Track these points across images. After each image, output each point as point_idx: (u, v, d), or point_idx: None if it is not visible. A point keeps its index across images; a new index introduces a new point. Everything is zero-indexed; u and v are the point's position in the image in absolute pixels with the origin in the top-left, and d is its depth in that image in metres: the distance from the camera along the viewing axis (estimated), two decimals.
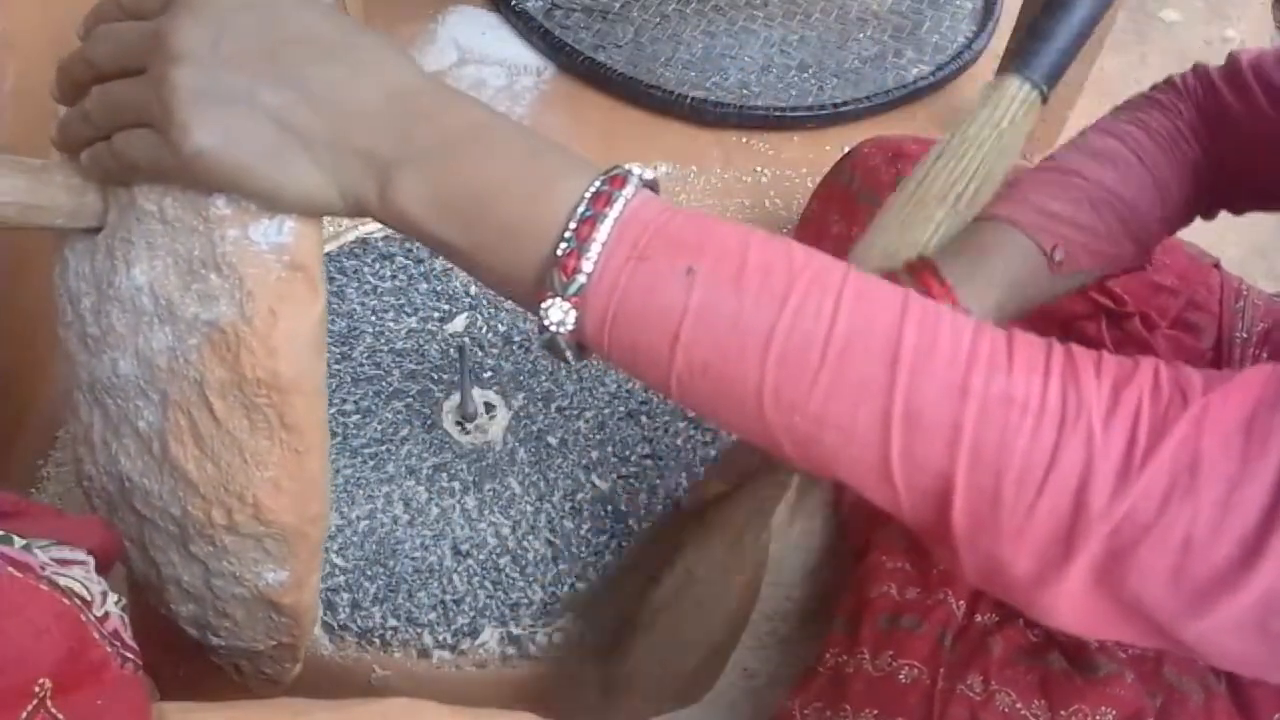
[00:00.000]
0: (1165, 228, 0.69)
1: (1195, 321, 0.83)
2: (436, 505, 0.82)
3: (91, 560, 0.45)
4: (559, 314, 0.42)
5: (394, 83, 0.44)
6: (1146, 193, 0.67)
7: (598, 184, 0.42)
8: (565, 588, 0.79)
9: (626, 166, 0.43)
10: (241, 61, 0.42)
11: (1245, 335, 0.81)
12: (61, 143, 0.48)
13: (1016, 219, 0.63)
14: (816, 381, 0.40)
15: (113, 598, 0.45)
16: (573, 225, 0.41)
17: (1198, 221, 0.73)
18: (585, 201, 0.42)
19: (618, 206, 0.42)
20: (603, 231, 0.41)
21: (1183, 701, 0.61)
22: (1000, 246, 0.63)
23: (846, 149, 1.02)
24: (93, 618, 0.42)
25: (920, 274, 0.61)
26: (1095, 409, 0.39)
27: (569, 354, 0.44)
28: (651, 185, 0.45)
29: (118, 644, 0.44)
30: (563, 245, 0.41)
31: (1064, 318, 0.85)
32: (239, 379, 0.46)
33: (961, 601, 0.68)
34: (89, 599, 0.43)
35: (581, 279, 0.41)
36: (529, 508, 0.83)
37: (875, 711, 0.64)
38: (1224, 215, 0.75)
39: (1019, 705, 0.61)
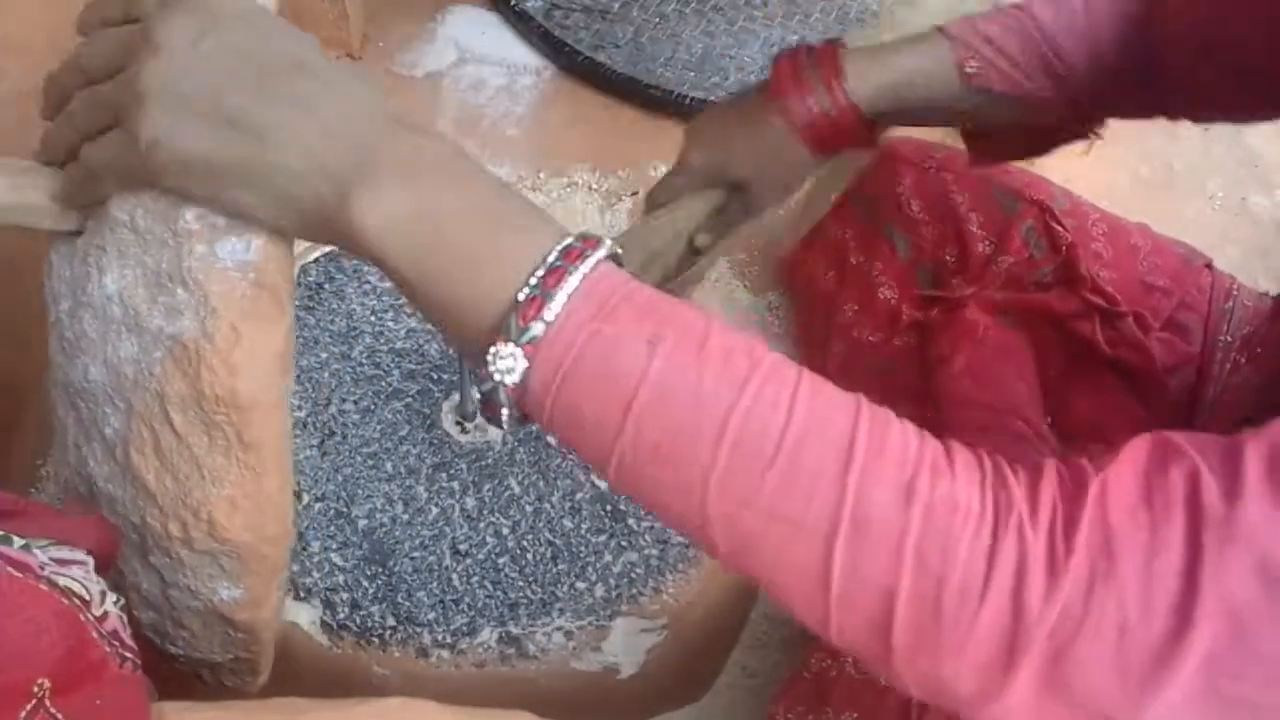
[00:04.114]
0: (1095, 79, 0.70)
1: (1185, 323, 0.83)
2: (436, 505, 0.82)
3: (90, 560, 0.45)
4: (508, 363, 0.40)
5: (365, 107, 0.43)
6: (1078, 38, 0.69)
7: (570, 240, 0.41)
8: (564, 588, 0.79)
9: (597, 235, 0.43)
10: (218, 61, 0.42)
11: (1229, 339, 0.81)
12: (44, 153, 0.48)
13: (946, 27, 0.70)
14: (769, 472, 0.39)
15: (111, 597, 0.45)
16: (540, 273, 0.40)
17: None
18: (556, 252, 0.41)
19: (589, 263, 0.40)
20: (571, 283, 0.40)
21: None
22: (915, 45, 0.71)
23: None
24: (91, 617, 0.42)
25: (822, 52, 0.71)
26: (1023, 510, 0.39)
27: (505, 413, 0.42)
28: (616, 258, 0.43)
29: (116, 643, 0.44)
30: (526, 290, 0.40)
31: (1058, 317, 0.85)
32: (198, 395, 0.46)
33: None
34: (88, 599, 0.43)
35: (540, 327, 0.40)
36: (528, 507, 0.83)
37: (855, 715, 0.64)
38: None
39: None
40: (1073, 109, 0.71)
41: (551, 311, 0.40)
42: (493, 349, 0.40)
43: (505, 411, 0.42)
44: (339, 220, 0.42)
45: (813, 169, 0.75)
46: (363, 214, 0.42)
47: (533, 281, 0.40)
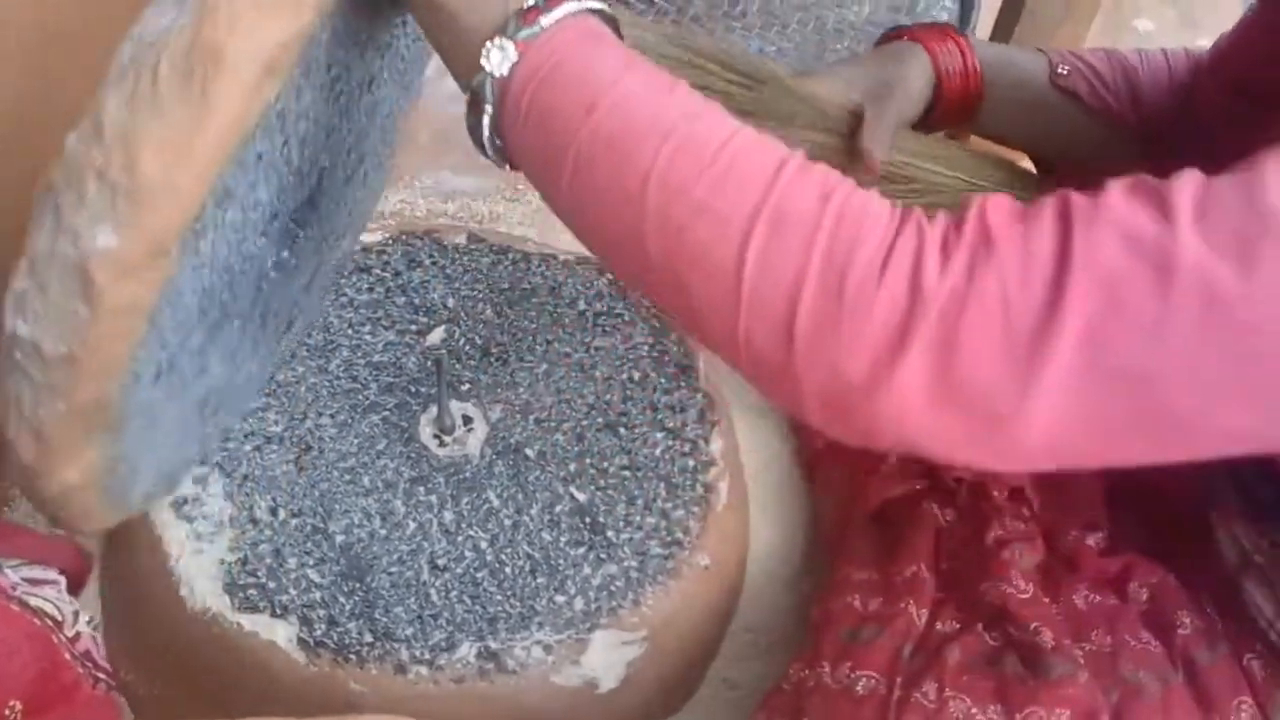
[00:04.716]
0: (1169, 126, 0.77)
1: None
2: (413, 519, 0.82)
3: (63, 580, 0.45)
4: (500, 55, 0.47)
5: None
6: (1159, 78, 0.79)
7: None
8: (543, 601, 0.79)
9: None
10: None
11: None
12: None
13: (1047, 50, 0.80)
14: (705, 173, 0.44)
15: (84, 617, 0.44)
16: None
17: None
18: None
19: (588, 3, 0.48)
20: (570, 6, 0.47)
21: (1138, 695, 0.62)
22: (1020, 50, 0.82)
23: None
24: (64, 638, 0.42)
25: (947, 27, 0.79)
26: (922, 218, 0.45)
27: (487, 117, 0.48)
28: (614, 25, 0.50)
29: (89, 664, 0.44)
30: (531, 1, 0.47)
31: None
32: (191, 45, 0.50)
33: (924, 610, 0.69)
34: (60, 619, 0.42)
35: (535, 29, 0.46)
36: (507, 520, 0.83)
37: None
38: None
39: (974, 711, 0.61)
40: (1149, 153, 0.76)
41: (548, 19, 0.47)
42: (489, 42, 0.47)
43: (487, 111, 0.48)
44: None
45: (915, 96, 0.78)
46: None
47: None
